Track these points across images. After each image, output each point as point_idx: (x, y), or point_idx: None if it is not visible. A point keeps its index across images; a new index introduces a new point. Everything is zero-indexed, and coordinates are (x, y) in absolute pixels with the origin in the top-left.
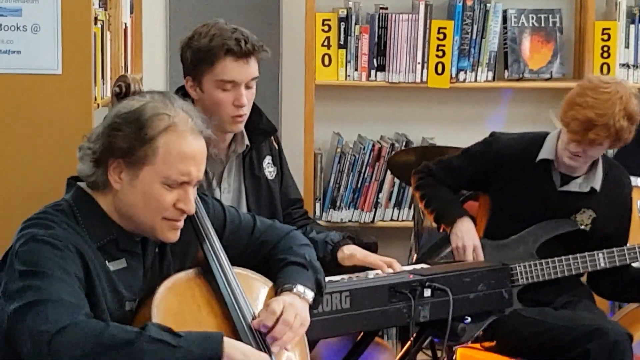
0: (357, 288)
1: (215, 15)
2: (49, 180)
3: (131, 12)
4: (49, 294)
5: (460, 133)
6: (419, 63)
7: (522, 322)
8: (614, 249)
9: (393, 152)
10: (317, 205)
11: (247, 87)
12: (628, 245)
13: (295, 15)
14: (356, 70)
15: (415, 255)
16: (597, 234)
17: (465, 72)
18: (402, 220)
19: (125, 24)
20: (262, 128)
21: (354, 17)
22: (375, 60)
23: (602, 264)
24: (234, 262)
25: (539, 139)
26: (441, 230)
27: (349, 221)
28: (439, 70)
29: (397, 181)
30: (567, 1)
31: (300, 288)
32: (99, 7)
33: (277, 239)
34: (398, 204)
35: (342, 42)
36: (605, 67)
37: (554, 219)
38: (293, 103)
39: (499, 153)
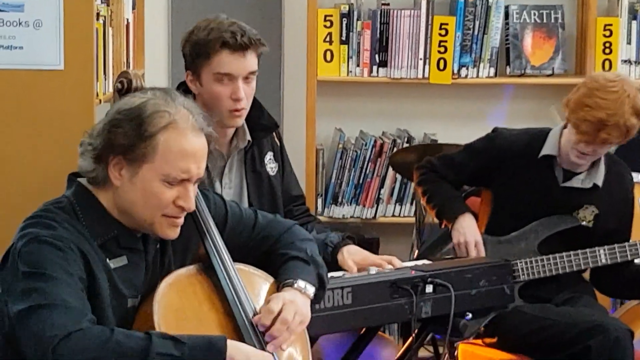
0: (359, 284)
1: (217, 11)
2: (51, 175)
3: (133, 8)
4: (54, 298)
5: (462, 129)
6: (420, 59)
7: (523, 319)
8: (615, 245)
9: (395, 148)
10: (319, 201)
11: (246, 81)
12: (630, 241)
13: (297, 11)
14: (358, 66)
15: (417, 251)
16: (599, 230)
17: (467, 68)
18: (404, 216)
19: (127, 19)
20: (263, 124)
21: (355, 13)
22: (377, 56)
23: (604, 260)
24: (235, 257)
25: (542, 134)
26: (443, 226)
27: (351, 217)
28: (441, 66)
29: (398, 177)
30: None
31: (301, 283)
32: (101, 2)
33: (279, 233)
34: (400, 200)
35: (344, 38)
36: (607, 63)
37: (555, 215)
38: (295, 99)
39: (502, 149)
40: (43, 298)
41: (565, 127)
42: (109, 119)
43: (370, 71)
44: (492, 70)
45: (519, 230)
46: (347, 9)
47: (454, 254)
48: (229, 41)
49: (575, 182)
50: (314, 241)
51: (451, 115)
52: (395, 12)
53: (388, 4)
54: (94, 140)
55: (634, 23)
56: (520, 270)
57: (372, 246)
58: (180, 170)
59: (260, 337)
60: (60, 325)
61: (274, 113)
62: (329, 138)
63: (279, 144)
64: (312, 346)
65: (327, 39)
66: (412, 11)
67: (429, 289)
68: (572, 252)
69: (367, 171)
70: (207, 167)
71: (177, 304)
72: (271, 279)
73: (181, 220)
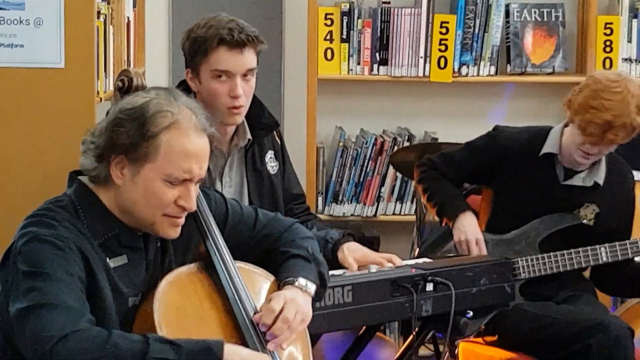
0: (360, 282)
1: (218, 9)
2: (51, 173)
3: (134, 6)
4: (53, 298)
5: (462, 127)
6: (421, 57)
7: (523, 317)
8: (616, 243)
9: (395, 147)
10: (320, 199)
11: (244, 78)
12: (630, 239)
13: (298, 9)
14: (359, 64)
15: (418, 249)
16: (600, 228)
17: (468, 67)
18: (405, 215)
19: (128, 17)
20: (264, 122)
21: (356, 11)
22: (377, 55)
23: (604, 258)
24: (235, 255)
25: (543, 133)
26: (443, 224)
27: (351, 215)
28: (442, 65)
29: (399, 175)
30: None
31: (302, 281)
32: (102, 1)
33: (280, 231)
34: (400, 198)
35: (344, 36)
36: (607, 61)
37: (556, 214)
38: (295, 97)
39: (503, 146)
40: (42, 297)
41: (566, 125)
42: (111, 118)
43: (371, 69)
44: (493, 69)
45: (519, 228)
46: (348, 7)
47: (455, 252)
48: (226, 38)
49: (576, 181)
50: (314, 239)
51: (452, 113)
52: (395, 10)
53: (389, 2)
54: (96, 138)
55: (634, 21)
56: (521, 268)
57: (372, 244)
58: (182, 170)
59: (260, 335)
60: (58, 326)
61: (274, 111)
62: (330, 136)
63: (279, 142)
64: (313, 345)
65: (328, 37)
66: (413, 9)
67: (430, 287)
68: (572, 250)
69: (368, 169)
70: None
71: (177, 302)
72: (272, 277)
73: (182, 220)
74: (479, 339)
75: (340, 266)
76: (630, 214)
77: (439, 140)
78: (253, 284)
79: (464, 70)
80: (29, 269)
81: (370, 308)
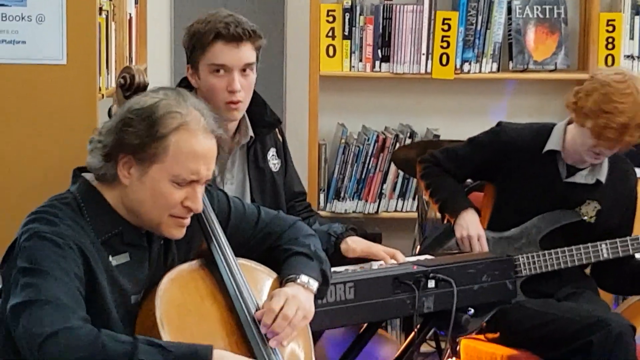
0: (361, 279)
1: (220, 5)
2: (54, 170)
3: (136, 3)
4: (46, 295)
5: (464, 124)
6: (423, 54)
7: (525, 314)
8: (617, 240)
9: (397, 143)
10: (321, 196)
11: (243, 73)
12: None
13: (300, 6)
14: (361, 61)
15: (419, 246)
16: (601, 226)
17: (470, 63)
18: (406, 211)
19: (130, 14)
20: (266, 120)
21: (358, 8)
22: (379, 51)
23: (605, 255)
24: (238, 253)
25: (546, 129)
26: (445, 221)
27: (353, 212)
28: (444, 62)
29: (401, 172)
30: None
31: (304, 278)
32: None
33: (282, 229)
34: (402, 195)
35: (346, 33)
36: (609, 58)
37: (557, 210)
38: (297, 94)
39: (507, 143)
40: (35, 294)
41: (569, 123)
42: (120, 118)
43: (373, 66)
44: (495, 66)
45: (521, 225)
46: (350, 4)
47: (457, 249)
48: (222, 32)
49: (579, 178)
50: (317, 237)
51: (454, 110)
52: (397, 7)
53: None
54: (104, 137)
55: (636, 18)
56: (522, 265)
57: (374, 241)
58: (190, 171)
59: (262, 332)
60: (48, 322)
61: (276, 108)
62: (332, 133)
63: (281, 140)
64: (315, 342)
65: (330, 34)
66: (415, 6)
67: (431, 284)
68: (573, 247)
69: (370, 166)
70: None
71: (179, 299)
72: (274, 274)
73: (188, 221)
74: (481, 336)
75: (342, 263)
76: (632, 211)
77: (441, 137)
78: (255, 281)
79: (466, 67)
80: (27, 266)
81: (372, 305)
